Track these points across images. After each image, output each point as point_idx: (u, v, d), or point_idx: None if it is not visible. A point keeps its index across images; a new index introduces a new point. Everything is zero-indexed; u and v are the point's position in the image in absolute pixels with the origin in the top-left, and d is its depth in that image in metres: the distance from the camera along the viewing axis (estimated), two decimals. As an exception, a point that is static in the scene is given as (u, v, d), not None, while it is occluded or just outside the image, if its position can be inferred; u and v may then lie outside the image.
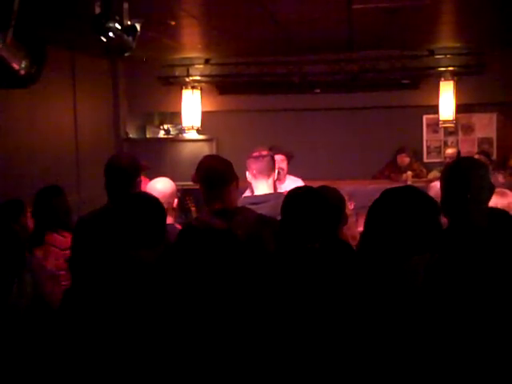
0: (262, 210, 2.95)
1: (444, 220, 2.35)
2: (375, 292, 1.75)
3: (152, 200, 2.36)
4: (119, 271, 2.03)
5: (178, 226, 3.22)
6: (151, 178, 3.55)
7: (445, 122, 7.03)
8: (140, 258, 2.05)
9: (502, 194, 2.88)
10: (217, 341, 2.14)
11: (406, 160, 7.17)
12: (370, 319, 1.72)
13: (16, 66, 3.34)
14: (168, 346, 1.90)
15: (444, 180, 2.40)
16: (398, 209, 1.78)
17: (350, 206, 4.11)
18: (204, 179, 2.78)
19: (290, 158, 5.09)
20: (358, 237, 3.51)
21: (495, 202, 2.59)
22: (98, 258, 2.37)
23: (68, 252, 3.56)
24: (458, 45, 6.77)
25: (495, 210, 2.47)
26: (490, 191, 2.35)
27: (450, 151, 6.99)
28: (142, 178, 3.26)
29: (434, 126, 7.47)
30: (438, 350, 1.68)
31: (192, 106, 7.30)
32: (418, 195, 1.84)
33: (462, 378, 1.73)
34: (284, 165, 4.93)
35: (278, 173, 3.56)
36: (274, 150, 4.75)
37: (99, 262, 2.22)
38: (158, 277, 2.17)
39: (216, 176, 2.73)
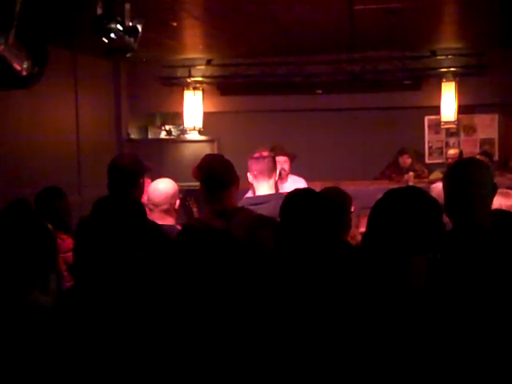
0: (262, 210, 2.95)
1: (448, 221, 2.35)
2: (377, 293, 1.75)
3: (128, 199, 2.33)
4: (112, 271, 2.03)
5: (179, 227, 3.22)
6: (153, 178, 3.55)
7: (446, 122, 7.03)
8: (126, 256, 2.04)
9: (506, 195, 2.87)
10: (215, 341, 2.14)
11: (408, 161, 7.17)
12: (371, 320, 1.72)
13: (18, 67, 3.35)
14: (166, 346, 1.90)
15: (446, 181, 2.40)
16: (400, 209, 1.78)
17: (351, 208, 4.11)
18: (205, 181, 2.77)
19: (292, 158, 5.10)
20: (357, 237, 3.51)
21: (499, 202, 2.58)
22: (95, 259, 2.36)
23: (67, 255, 3.55)
24: (460, 45, 6.76)
25: (499, 211, 2.46)
26: (494, 191, 2.34)
27: (451, 152, 6.99)
28: (146, 179, 3.26)
29: (436, 126, 7.46)
30: (440, 350, 1.68)
31: (194, 106, 7.30)
32: (421, 196, 1.83)
33: (465, 378, 1.73)
34: (286, 165, 4.93)
35: (280, 173, 3.57)
36: (276, 150, 4.75)
37: (95, 262, 2.21)
38: (157, 276, 2.17)
39: (217, 179, 2.73)
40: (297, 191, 2.43)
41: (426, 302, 1.75)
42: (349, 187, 5.20)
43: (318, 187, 2.92)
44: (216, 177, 2.74)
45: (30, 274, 1.57)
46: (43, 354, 1.57)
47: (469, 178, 2.30)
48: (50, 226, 2.65)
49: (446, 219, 2.33)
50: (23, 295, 1.56)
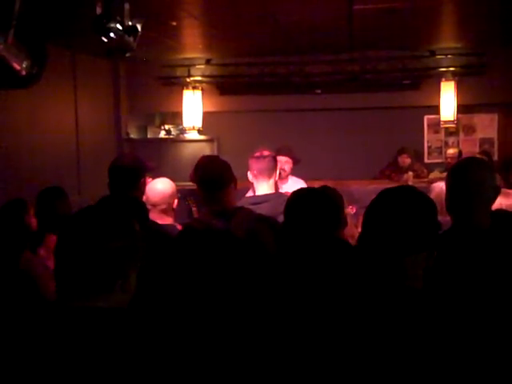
0: (262, 209, 2.96)
1: (448, 220, 2.35)
2: (374, 292, 1.75)
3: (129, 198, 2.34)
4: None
5: (179, 227, 3.23)
6: (154, 178, 3.55)
7: (446, 122, 7.02)
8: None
9: (506, 195, 2.87)
10: (215, 341, 2.14)
11: (407, 160, 7.17)
12: (370, 319, 1.72)
13: (17, 67, 3.35)
14: (164, 347, 1.89)
15: (449, 179, 2.40)
16: (394, 208, 1.78)
17: (352, 210, 4.12)
18: (202, 182, 2.78)
19: (295, 161, 5.08)
20: (356, 236, 3.51)
21: (499, 202, 2.58)
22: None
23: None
24: (459, 45, 6.76)
25: (499, 210, 2.46)
26: (496, 191, 2.34)
27: (451, 151, 7.00)
28: (147, 179, 3.25)
29: (435, 126, 7.47)
30: (438, 350, 1.68)
31: (193, 106, 7.30)
32: (415, 195, 1.83)
33: (463, 378, 1.73)
34: (287, 166, 4.92)
35: (279, 173, 3.57)
36: (280, 150, 4.75)
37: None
38: (156, 275, 2.17)
39: (213, 179, 2.73)
40: (301, 191, 2.42)
41: (423, 301, 1.74)
42: (348, 187, 5.22)
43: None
44: (213, 177, 2.74)
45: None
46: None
47: (471, 177, 2.30)
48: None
49: (445, 218, 2.34)
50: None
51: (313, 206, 2.27)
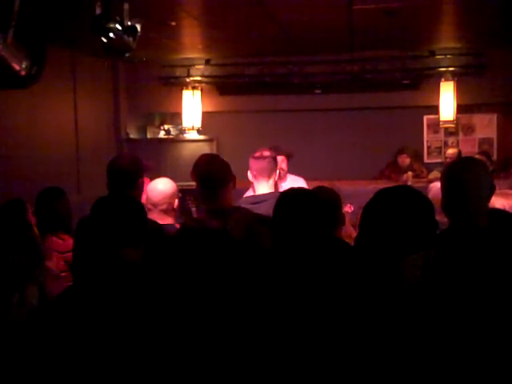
0: (260, 209, 2.96)
1: (445, 220, 2.35)
2: (371, 291, 1.75)
3: (129, 199, 2.34)
4: (108, 271, 2.03)
5: (178, 226, 3.23)
6: (152, 178, 3.55)
7: (445, 122, 7.03)
8: (126, 256, 2.04)
9: (506, 196, 2.87)
10: (212, 340, 2.14)
11: (407, 160, 7.17)
12: (366, 319, 1.72)
13: (16, 67, 3.35)
14: (161, 346, 1.90)
15: (444, 180, 2.41)
16: (390, 208, 1.77)
17: (350, 209, 4.11)
18: (200, 180, 2.78)
19: (289, 157, 5.11)
20: (354, 236, 3.52)
21: (501, 203, 2.58)
22: (94, 258, 2.37)
23: (68, 255, 3.55)
24: (459, 45, 6.77)
25: (496, 210, 2.47)
26: (491, 190, 2.35)
27: (450, 151, 6.99)
28: (145, 178, 3.26)
29: (435, 126, 7.46)
30: (436, 350, 1.68)
31: (192, 106, 7.30)
32: (411, 194, 1.82)
33: (462, 378, 1.73)
34: (284, 164, 4.94)
35: (279, 173, 3.58)
36: (273, 150, 4.75)
37: (94, 261, 2.22)
38: (153, 276, 2.17)
39: (212, 177, 2.73)
40: (289, 191, 2.41)
41: (421, 301, 1.75)
42: (348, 187, 5.22)
43: (316, 187, 2.92)
44: (212, 175, 2.75)
45: (8, 285, 1.55)
46: (38, 357, 1.56)
47: (466, 177, 2.30)
48: (36, 231, 2.59)
49: (443, 219, 2.34)
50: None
51: (298, 206, 2.26)
